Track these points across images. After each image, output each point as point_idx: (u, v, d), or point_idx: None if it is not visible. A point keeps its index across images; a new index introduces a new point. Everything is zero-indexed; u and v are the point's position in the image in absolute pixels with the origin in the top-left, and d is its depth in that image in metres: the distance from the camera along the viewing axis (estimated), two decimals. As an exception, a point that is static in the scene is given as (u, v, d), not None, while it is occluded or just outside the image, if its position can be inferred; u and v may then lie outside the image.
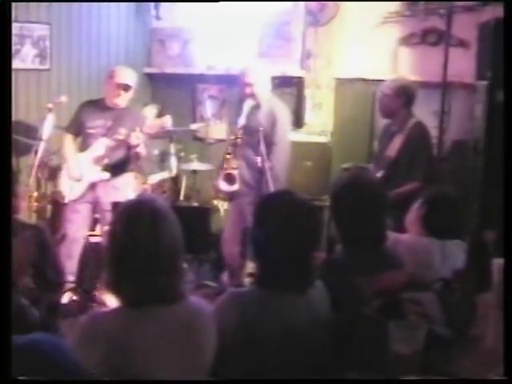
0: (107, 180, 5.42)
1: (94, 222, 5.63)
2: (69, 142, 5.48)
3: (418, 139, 4.93)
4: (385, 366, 2.34)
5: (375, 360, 2.37)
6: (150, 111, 6.64)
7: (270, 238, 2.55)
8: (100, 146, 5.36)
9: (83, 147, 5.44)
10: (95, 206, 5.46)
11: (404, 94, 4.97)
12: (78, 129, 5.45)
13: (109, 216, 5.26)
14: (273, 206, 2.66)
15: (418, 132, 4.97)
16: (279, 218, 2.57)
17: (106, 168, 5.39)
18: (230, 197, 5.35)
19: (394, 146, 4.96)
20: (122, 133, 5.32)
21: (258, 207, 2.74)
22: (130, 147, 5.31)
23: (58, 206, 5.73)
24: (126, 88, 5.38)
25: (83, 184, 5.39)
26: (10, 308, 1.98)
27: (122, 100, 5.41)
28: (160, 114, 6.55)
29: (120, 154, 5.43)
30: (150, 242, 2.30)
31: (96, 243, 5.60)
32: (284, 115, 5.34)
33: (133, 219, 2.35)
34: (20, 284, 3.23)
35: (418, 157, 4.86)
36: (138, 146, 5.25)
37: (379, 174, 4.93)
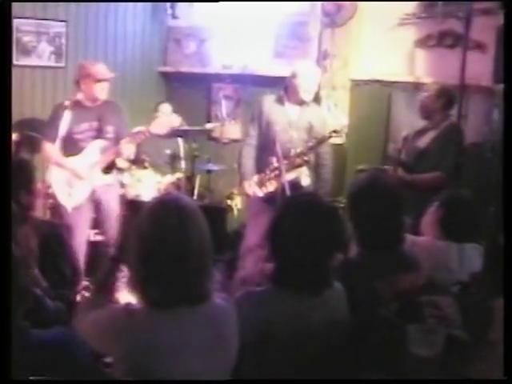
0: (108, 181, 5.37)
1: (96, 222, 5.54)
2: (53, 149, 5.18)
3: (451, 134, 5.03)
4: (402, 368, 2.32)
5: (393, 362, 2.36)
6: (165, 109, 6.61)
7: (290, 239, 2.56)
8: (95, 149, 5.24)
9: (72, 152, 5.23)
10: (96, 207, 5.36)
11: (444, 97, 5.06)
12: (56, 134, 5.11)
13: (112, 214, 5.32)
14: (295, 207, 2.67)
15: (452, 129, 5.09)
16: (301, 219, 2.58)
17: (106, 170, 5.31)
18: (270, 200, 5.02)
19: (425, 139, 5.07)
20: (110, 131, 5.26)
21: (281, 207, 2.74)
22: (119, 154, 5.26)
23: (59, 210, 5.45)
24: (105, 82, 5.21)
25: (84, 190, 5.25)
26: (10, 309, 1.97)
27: (102, 93, 5.22)
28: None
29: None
30: (177, 242, 2.25)
31: (100, 242, 5.56)
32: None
33: (158, 219, 2.31)
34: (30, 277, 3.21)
35: (449, 149, 4.92)
36: (128, 155, 5.29)
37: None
